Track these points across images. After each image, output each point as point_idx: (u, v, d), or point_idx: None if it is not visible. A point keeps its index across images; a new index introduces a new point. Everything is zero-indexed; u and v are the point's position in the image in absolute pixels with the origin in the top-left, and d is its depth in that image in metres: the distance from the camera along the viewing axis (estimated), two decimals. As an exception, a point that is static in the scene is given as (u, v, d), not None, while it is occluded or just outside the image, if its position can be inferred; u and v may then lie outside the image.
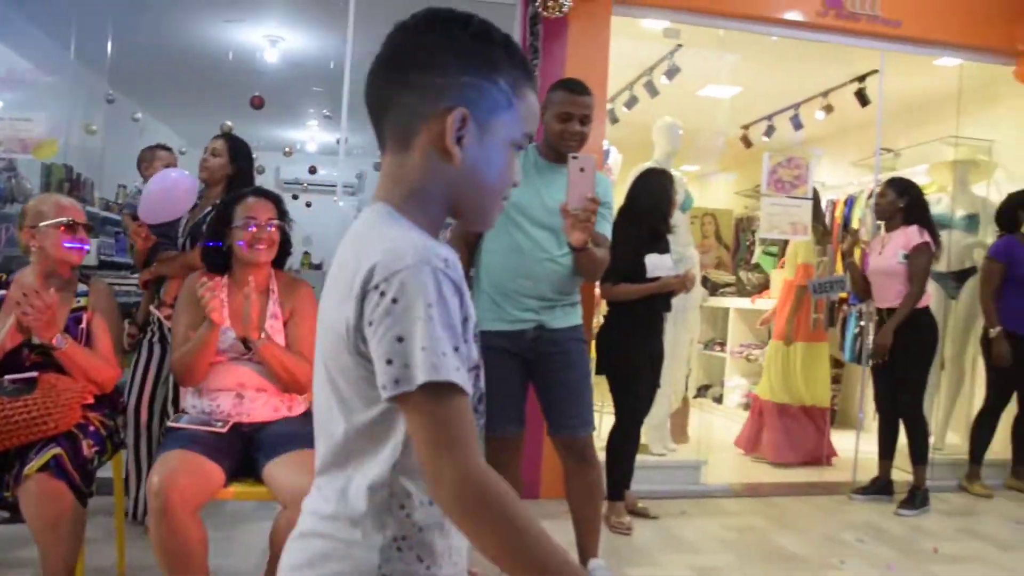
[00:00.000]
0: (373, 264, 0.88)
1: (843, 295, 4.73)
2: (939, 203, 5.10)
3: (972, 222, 5.13)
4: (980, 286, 4.66)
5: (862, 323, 5.34)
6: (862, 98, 5.09)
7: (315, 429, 1.01)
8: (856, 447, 4.76)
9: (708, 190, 8.32)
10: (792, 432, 5.07)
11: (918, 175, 5.39)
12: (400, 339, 0.85)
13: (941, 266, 4.86)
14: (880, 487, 4.40)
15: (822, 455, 5.10)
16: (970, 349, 5.15)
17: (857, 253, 4.71)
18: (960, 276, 5.04)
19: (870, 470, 4.51)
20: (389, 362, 0.86)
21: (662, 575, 3.17)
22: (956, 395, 5.24)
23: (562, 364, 2.77)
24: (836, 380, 6.47)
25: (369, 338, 0.88)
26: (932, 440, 4.95)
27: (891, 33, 4.55)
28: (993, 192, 5.29)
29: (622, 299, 3.65)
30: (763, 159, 4.35)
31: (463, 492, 0.85)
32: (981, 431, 4.63)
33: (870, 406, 4.74)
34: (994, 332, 4.45)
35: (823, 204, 6.26)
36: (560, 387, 2.78)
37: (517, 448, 2.87)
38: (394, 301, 0.86)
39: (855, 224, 5.69)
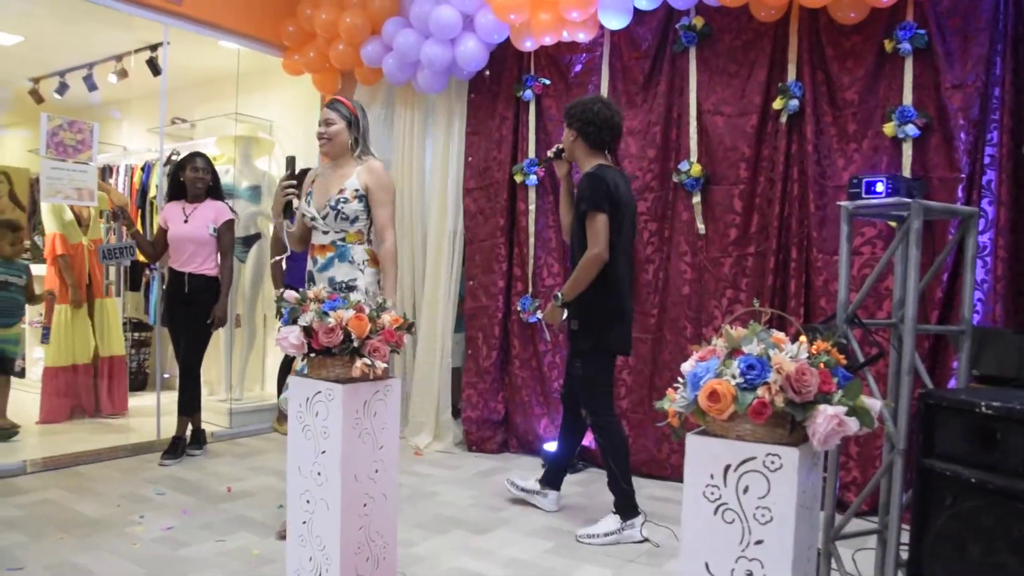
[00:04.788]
0: None
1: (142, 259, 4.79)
2: (227, 174, 5.51)
3: (255, 193, 5.61)
4: (270, 250, 5.18)
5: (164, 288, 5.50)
6: (154, 67, 5.15)
7: None
8: (158, 406, 4.91)
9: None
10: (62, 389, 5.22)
11: (209, 146, 5.75)
12: None
13: (231, 232, 5.24)
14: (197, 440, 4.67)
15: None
16: (259, 307, 5.70)
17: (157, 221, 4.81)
18: (247, 241, 5.51)
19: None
20: None
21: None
22: (252, 349, 5.77)
23: None
24: (146, 344, 6.55)
25: None
26: (235, 392, 5.46)
27: (173, 9, 4.72)
28: (274, 167, 5.90)
29: None
30: (41, 119, 4.12)
31: None
32: (285, 377, 5.24)
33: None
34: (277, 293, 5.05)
35: (122, 168, 6.24)
36: None
37: None
38: None
39: (152, 191, 5.78)
